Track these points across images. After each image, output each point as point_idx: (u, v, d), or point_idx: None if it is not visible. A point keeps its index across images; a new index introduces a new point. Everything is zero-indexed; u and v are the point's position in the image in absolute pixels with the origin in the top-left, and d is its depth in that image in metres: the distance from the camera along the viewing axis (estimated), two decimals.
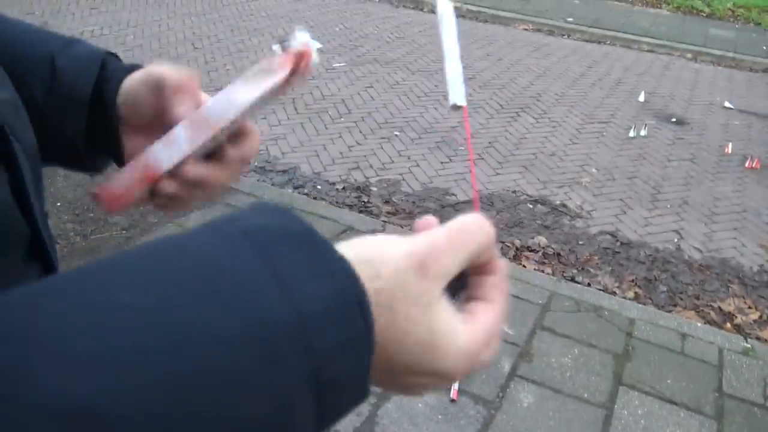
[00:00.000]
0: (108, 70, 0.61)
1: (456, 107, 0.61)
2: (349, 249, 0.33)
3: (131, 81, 0.60)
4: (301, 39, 0.51)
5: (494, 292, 0.40)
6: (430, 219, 0.40)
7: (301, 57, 0.51)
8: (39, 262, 0.49)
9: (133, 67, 0.61)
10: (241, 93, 0.50)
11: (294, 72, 0.51)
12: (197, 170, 0.56)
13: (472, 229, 0.38)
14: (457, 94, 0.62)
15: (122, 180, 0.56)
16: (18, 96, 0.51)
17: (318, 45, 0.53)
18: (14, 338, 0.25)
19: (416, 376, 0.35)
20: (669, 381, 2.54)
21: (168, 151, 0.53)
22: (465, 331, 0.36)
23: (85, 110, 0.59)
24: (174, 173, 0.55)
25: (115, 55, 0.64)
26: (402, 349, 0.33)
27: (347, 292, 0.30)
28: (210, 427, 0.26)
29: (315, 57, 0.52)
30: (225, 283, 0.28)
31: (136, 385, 0.25)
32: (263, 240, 0.31)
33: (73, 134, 0.60)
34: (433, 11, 8.48)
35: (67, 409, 0.23)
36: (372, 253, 0.34)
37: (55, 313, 0.26)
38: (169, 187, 0.56)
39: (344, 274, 0.31)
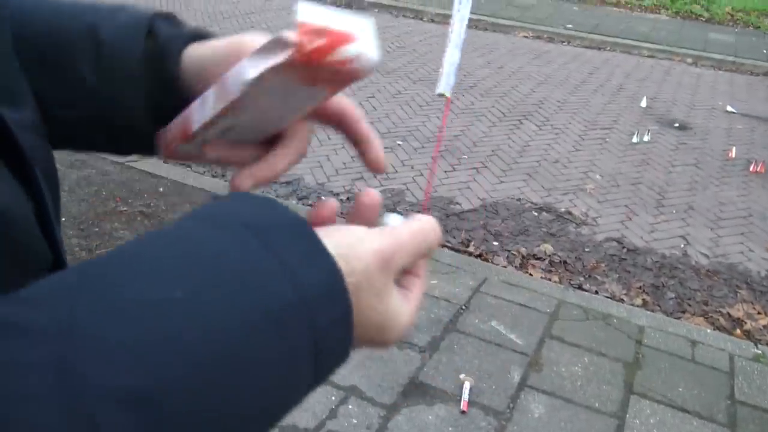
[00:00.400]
0: (160, 36, 0.53)
1: (441, 95, 0.49)
2: (328, 241, 0.37)
3: (210, 51, 0.52)
4: (327, 16, 0.38)
5: (420, 268, 0.46)
6: (331, 204, 0.44)
7: (326, 38, 0.38)
8: None
9: (197, 33, 0.54)
10: (250, 68, 0.41)
11: (318, 56, 0.38)
12: (215, 152, 0.52)
13: (427, 230, 0.43)
14: (446, 83, 0.51)
15: (171, 131, 0.51)
16: (38, 113, 0.50)
17: (368, 27, 0.40)
18: (59, 335, 0.28)
19: (372, 342, 0.42)
20: (680, 389, 2.52)
21: (200, 112, 0.47)
22: (407, 311, 0.43)
23: (139, 86, 0.52)
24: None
25: (167, 16, 0.56)
26: (361, 329, 0.39)
27: (337, 278, 0.36)
28: (240, 396, 0.31)
29: (365, 47, 0.39)
30: (241, 274, 0.33)
31: (178, 368, 0.29)
32: (265, 232, 0.35)
33: (131, 114, 0.53)
34: (432, 20, 8.51)
35: (126, 394, 0.27)
36: (346, 250, 0.38)
37: (92, 310, 0.29)
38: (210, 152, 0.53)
39: (334, 263, 0.36)
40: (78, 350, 0.27)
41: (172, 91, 0.53)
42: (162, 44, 0.53)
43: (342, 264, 0.37)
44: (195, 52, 0.52)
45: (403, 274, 0.44)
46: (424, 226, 0.43)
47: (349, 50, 0.39)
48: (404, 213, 3.83)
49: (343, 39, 0.38)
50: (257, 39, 0.50)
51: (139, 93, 0.52)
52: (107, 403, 0.27)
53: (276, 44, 0.40)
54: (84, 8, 0.56)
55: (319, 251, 0.36)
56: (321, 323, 0.35)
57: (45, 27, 0.55)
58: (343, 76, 0.42)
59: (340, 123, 0.53)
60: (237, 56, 0.47)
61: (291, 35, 0.39)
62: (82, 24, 0.54)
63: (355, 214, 0.47)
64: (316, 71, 0.40)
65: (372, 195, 0.45)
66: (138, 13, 0.55)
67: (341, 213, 3.74)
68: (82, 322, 0.28)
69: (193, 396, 0.29)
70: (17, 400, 0.26)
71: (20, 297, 0.30)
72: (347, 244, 0.39)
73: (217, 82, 0.45)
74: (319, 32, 0.38)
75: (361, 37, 0.39)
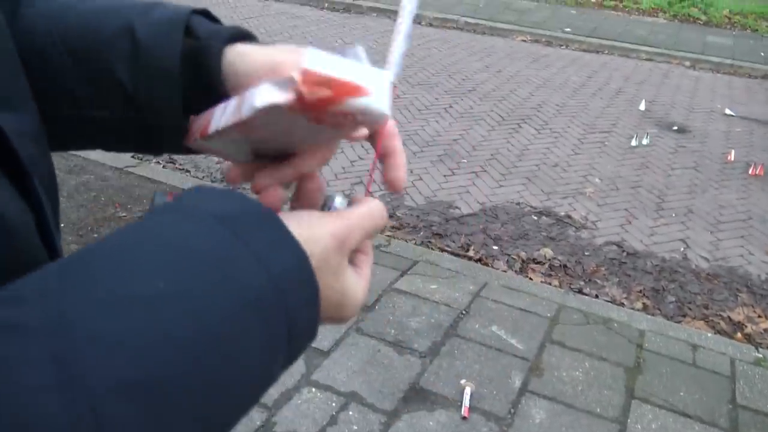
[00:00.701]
0: (199, 35, 0.52)
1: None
2: (289, 226, 0.39)
3: (248, 61, 0.50)
4: (339, 67, 0.37)
5: (367, 246, 0.49)
6: (275, 192, 0.47)
7: (331, 90, 0.37)
8: None
9: (237, 33, 0.53)
10: (260, 96, 0.40)
11: (318, 108, 0.38)
12: (234, 173, 0.52)
13: (375, 212, 0.46)
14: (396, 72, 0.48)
15: (198, 122, 0.50)
16: (38, 118, 0.49)
17: (384, 81, 0.39)
18: (53, 333, 0.29)
19: (333, 318, 0.45)
20: (682, 393, 2.51)
21: (219, 117, 0.46)
22: (361, 287, 0.46)
23: (177, 85, 0.51)
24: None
25: (204, 13, 0.55)
26: (322, 308, 0.41)
27: (305, 262, 0.38)
28: (229, 382, 0.34)
29: (376, 102, 0.38)
30: (217, 264, 0.34)
31: (171, 359, 0.30)
32: (233, 222, 0.36)
33: (167, 113, 0.52)
34: (431, 24, 8.52)
35: (125, 386, 0.29)
36: (305, 235, 0.40)
37: (81, 306, 0.30)
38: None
39: (300, 248, 0.38)
40: (74, 346, 0.28)
41: (210, 90, 0.52)
42: (202, 44, 0.52)
43: (304, 248, 0.39)
44: (234, 56, 0.51)
45: (353, 253, 0.47)
46: (373, 208, 0.46)
47: (355, 103, 0.38)
48: (410, 217, 3.82)
49: (349, 91, 0.37)
50: (292, 61, 0.48)
51: (176, 92, 0.52)
52: (107, 394, 0.28)
53: (287, 82, 0.39)
54: (119, 5, 0.55)
55: (286, 237, 0.38)
56: (294, 306, 0.37)
57: (79, 26, 0.54)
58: (352, 124, 0.41)
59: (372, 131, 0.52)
60: (271, 72, 0.48)
61: (297, 79, 0.38)
62: (117, 22, 0.53)
63: (300, 198, 0.49)
64: (319, 116, 0.40)
65: (316, 179, 0.48)
66: (174, 10, 0.54)
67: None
68: (74, 319, 0.29)
69: (187, 385, 0.31)
70: (20, 395, 0.27)
71: (5, 297, 0.30)
72: (306, 228, 0.41)
73: (240, 94, 0.44)
74: (324, 83, 0.37)
75: (373, 91, 0.38)
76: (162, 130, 0.55)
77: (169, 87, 0.51)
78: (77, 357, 0.28)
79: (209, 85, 0.52)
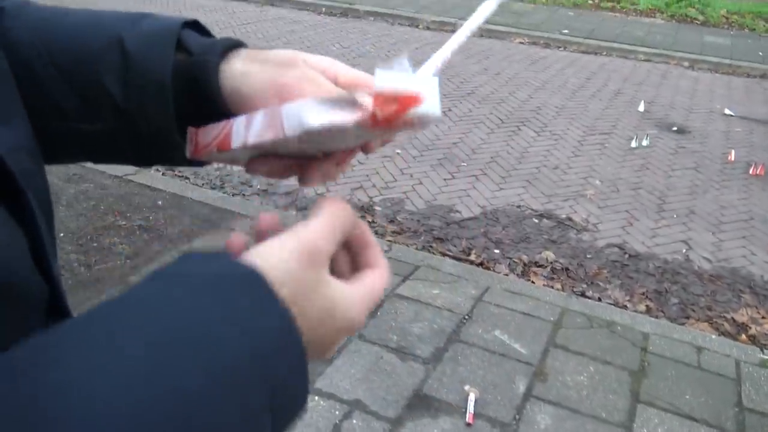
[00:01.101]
0: (191, 49, 0.51)
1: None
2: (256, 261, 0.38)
3: (250, 80, 0.49)
4: (401, 81, 0.40)
5: (378, 259, 0.46)
6: (271, 219, 0.44)
7: (397, 104, 0.40)
8: (57, 316, 0.46)
9: (229, 45, 0.51)
10: (312, 115, 0.41)
11: (387, 122, 0.40)
12: (255, 167, 0.51)
13: (338, 212, 0.43)
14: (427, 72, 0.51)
15: (208, 134, 0.50)
16: (32, 133, 0.48)
17: (434, 87, 0.41)
18: (23, 415, 0.28)
19: (329, 339, 0.41)
20: (687, 396, 2.49)
21: (243, 131, 0.47)
22: (355, 296, 0.42)
23: (168, 97, 0.50)
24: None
25: (195, 24, 0.54)
26: (312, 328, 0.39)
27: (290, 323, 0.36)
28: None
29: (431, 107, 0.41)
30: (197, 335, 0.33)
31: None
32: (214, 285, 0.35)
33: (159, 125, 0.52)
34: (428, 28, 8.52)
35: None
36: (268, 265, 0.37)
37: (45, 392, 0.28)
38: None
39: (285, 309, 0.36)
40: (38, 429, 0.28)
41: (208, 105, 0.51)
42: (197, 59, 0.51)
43: (271, 278, 0.37)
44: (235, 74, 0.50)
45: (362, 269, 0.45)
46: (330, 206, 0.43)
47: (416, 111, 0.40)
48: (411, 222, 3.81)
49: (412, 102, 0.40)
50: (298, 82, 0.48)
51: (168, 103, 0.51)
52: None
53: (347, 101, 0.42)
54: (108, 18, 0.54)
55: (269, 300, 0.36)
56: (277, 374, 0.35)
57: (66, 38, 0.53)
58: (405, 127, 0.43)
59: None
60: (277, 95, 0.47)
61: (365, 100, 0.41)
62: (105, 34, 0.52)
63: (260, 239, 0.45)
64: (384, 127, 0.42)
65: (267, 219, 0.45)
66: (164, 22, 0.53)
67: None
68: (41, 405, 0.28)
69: None
70: None
71: None
72: (268, 257, 0.38)
73: (267, 109, 0.45)
74: (392, 100, 0.40)
75: (428, 97, 0.41)
76: (153, 142, 0.53)
77: (161, 98, 0.50)
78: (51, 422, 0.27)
79: (207, 99, 0.50)
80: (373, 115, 0.40)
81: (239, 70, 0.50)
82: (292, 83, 0.48)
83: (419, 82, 0.40)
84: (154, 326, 0.32)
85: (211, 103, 0.51)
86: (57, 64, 0.52)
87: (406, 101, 0.40)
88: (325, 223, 0.42)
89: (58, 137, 0.53)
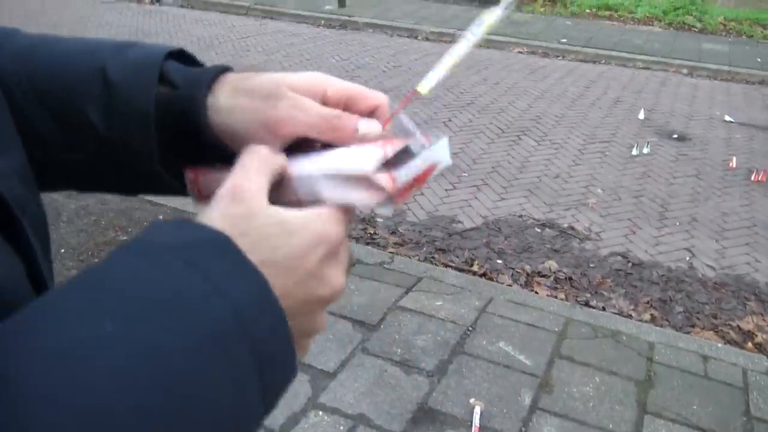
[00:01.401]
0: (177, 83, 0.50)
1: (416, 93, 0.49)
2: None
3: (239, 117, 0.49)
4: (431, 157, 0.44)
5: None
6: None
7: (417, 182, 0.44)
8: None
9: (216, 73, 0.50)
10: (326, 189, 0.44)
11: (404, 194, 0.44)
12: None
13: (254, 152, 0.43)
14: (429, 83, 0.51)
15: (210, 183, 0.49)
16: (25, 159, 0.47)
17: (446, 144, 0.45)
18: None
19: (300, 261, 0.40)
20: (695, 406, 2.47)
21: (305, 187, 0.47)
22: (312, 209, 0.42)
23: (150, 128, 0.49)
24: None
25: (179, 53, 0.53)
26: (270, 249, 0.39)
27: (265, 285, 0.36)
28: (189, 419, 0.31)
29: (445, 162, 0.45)
30: (170, 297, 0.33)
31: (118, 406, 0.29)
32: (185, 251, 0.35)
33: (142, 156, 0.51)
34: (427, 39, 8.55)
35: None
36: (211, 216, 0.39)
37: (22, 364, 0.29)
38: None
39: (259, 275, 0.36)
40: (15, 406, 0.28)
41: (195, 136, 0.50)
42: (182, 93, 0.50)
43: (225, 229, 0.37)
44: (220, 107, 0.49)
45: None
46: (247, 151, 0.44)
47: (433, 175, 0.44)
48: (413, 233, 3.79)
49: (429, 173, 0.43)
50: (287, 114, 0.47)
51: (150, 134, 0.50)
52: None
53: (362, 181, 0.43)
54: (92, 46, 0.53)
55: (242, 262, 0.36)
56: (257, 332, 0.35)
57: (48, 66, 0.52)
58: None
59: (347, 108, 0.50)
60: (268, 130, 0.47)
61: (386, 184, 0.42)
62: (89, 63, 0.51)
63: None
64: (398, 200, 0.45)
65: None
66: (149, 51, 0.52)
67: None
68: (15, 376, 0.28)
69: (143, 427, 0.29)
70: None
71: None
72: (207, 216, 0.40)
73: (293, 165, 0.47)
74: (411, 184, 0.43)
75: (442, 158, 0.44)
76: (135, 172, 0.53)
77: (144, 128, 0.50)
78: (18, 416, 0.27)
79: (196, 132, 0.50)
80: (396, 201, 0.43)
81: (226, 105, 0.49)
82: (281, 116, 0.47)
83: (433, 152, 0.43)
84: (126, 298, 0.33)
85: (201, 135, 0.50)
86: (39, 92, 0.51)
87: (424, 176, 0.43)
88: (242, 166, 0.42)
89: (41, 166, 0.53)
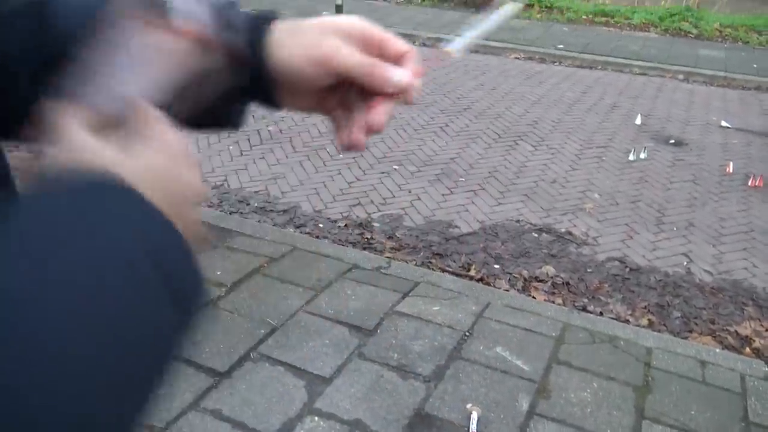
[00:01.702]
0: (236, 23, 0.53)
1: (447, 53, 0.55)
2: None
3: (295, 40, 0.52)
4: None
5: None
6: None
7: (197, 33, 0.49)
8: None
9: (271, 17, 0.54)
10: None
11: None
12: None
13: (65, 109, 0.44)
14: (461, 44, 0.56)
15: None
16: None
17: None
18: None
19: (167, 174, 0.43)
20: (693, 412, 2.46)
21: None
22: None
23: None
24: None
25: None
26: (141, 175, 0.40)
27: (141, 198, 0.39)
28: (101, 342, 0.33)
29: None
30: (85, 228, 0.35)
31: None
32: (90, 196, 0.37)
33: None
34: (424, 44, 8.56)
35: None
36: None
37: None
38: None
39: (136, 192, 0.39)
40: None
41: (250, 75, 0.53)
42: (244, 34, 0.53)
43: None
44: (279, 43, 0.52)
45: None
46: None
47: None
48: (409, 238, 3.77)
49: None
50: (334, 56, 0.51)
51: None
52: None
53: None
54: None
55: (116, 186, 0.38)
56: (165, 257, 0.38)
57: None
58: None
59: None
60: (318, 64, 0.51)
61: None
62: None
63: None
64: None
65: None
66: None
67: (330, 234, 3.69)
68: None
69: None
70: None
71: None
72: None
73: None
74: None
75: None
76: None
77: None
78: None
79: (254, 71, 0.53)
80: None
81: (282, 44, 0.52)
82: (328, 52, 0.50)
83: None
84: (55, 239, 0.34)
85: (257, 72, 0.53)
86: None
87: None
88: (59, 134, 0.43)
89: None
